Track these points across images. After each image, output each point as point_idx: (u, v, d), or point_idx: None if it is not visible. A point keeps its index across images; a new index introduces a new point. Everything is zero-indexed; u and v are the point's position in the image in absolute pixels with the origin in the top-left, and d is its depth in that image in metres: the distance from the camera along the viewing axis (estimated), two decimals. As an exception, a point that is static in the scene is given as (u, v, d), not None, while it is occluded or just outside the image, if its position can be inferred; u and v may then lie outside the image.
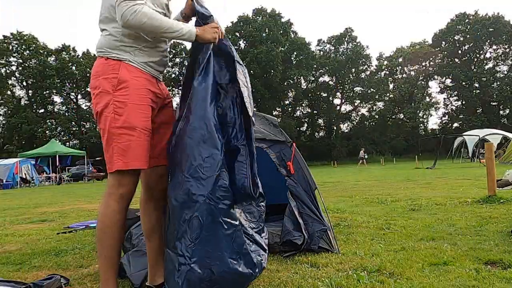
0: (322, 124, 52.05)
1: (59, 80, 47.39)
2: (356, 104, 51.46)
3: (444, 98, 49.69)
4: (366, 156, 27.07)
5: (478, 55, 48.06)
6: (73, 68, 48.43)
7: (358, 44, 50.11)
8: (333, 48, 51.19)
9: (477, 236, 2.69)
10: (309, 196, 2.59)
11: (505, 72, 46.53)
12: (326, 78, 50.97)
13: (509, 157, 18.78)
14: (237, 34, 46.89)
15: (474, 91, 46.33)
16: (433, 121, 52.21)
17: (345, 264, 2.11)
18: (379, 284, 1.75)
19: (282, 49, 46.36)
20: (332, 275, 1.93)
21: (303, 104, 51.21)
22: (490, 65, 47.05)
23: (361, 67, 50.32)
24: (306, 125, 51.66)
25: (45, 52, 47.39)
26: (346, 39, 50.62)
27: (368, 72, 50.55)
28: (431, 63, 49.30)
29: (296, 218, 2.56)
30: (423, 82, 49.96)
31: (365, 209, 4.48)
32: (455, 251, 2.28)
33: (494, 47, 46.72)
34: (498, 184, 6.51)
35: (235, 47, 41.92)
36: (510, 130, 32.38)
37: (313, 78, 50.23)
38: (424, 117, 51.25)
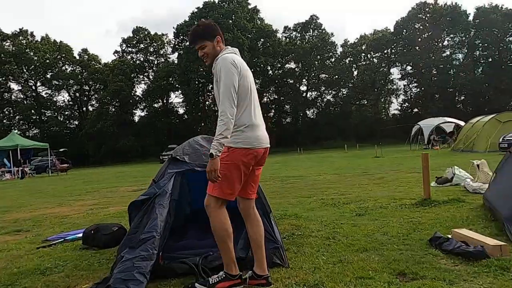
0: (289, 110, 53.03)
1: (16, 67, 45.24)
2: (321, 90, 52.64)
3: (405, 85, 51.82)
4: (437, 138, 25.03)
5: (436, 43, 50.22)
6: (31, 54, 46.29)
7: (323, 31, 50.99)
8: (299, 35, 51.81)
9: (402, 245, 3.29)
10: (266, 219, 3.07)
11: (461, 60, 49.05)
12: (292, 65, 51.66)
13: (458, 145, 20.24)
14: (203, 20, 46.30)
15: (433, 78, 48.59)
16: (394, 107, 54.16)
17: (291, 279, 2.62)
18: (315, 298, 2.27)
19: (249, 36, 46.40)
20: (280, 290, 2.43)
21: (270, 91, 51.80)
22: (448, 53, 49.36)
23: (326, 54, 51.36)
24: (273, 111, 52.43)
25: (0, 37, 44.92)
26: (312, 26, 51.31)
27: (333, 59, 51.70)
28: (393, 50, 51.08)
29: (247, 240, 3.02)
30: (385, 69, 51.72)
31: (319, 213, 5.05)
32: (380, 263, 2.84)
33: (452, 35, 48.94)
34: (438, 181, 7.34)
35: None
36: (464, 115, 34.51)
37: (279, 65, 50.77)
38: (386, 103, 53.32)
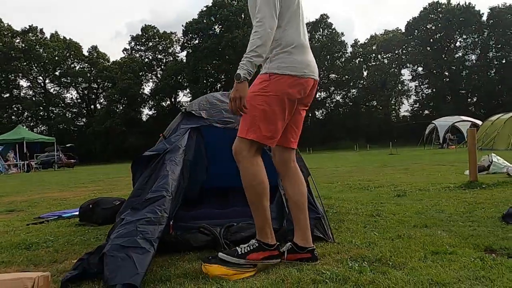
0: (297, 111, 52.24)
1: (25, 63, 45.15)
2: (331, 90, 51.87)
3: (416, 86, 50.83)
4: (453, 137, 24.08)
5: (448, 44, 49.20)
6: (41, 50, 46.16)
7: (333, 31, 50.28)
8: (309, 34, 50.97)
9: (469, 222, 2.66)
10: (303, 182, 2.46)
11: (474, 61, 47.96)
12: (301, 65, 50.92)
13: (477, 143, 19.42)
14: (213, 18, 45.99)
15: (444, 79, 47.59)
16: (405, 108, 53.18)
17: (343, 254, 2.00)
18: (382, 276, 1.65)
19: (259, 34, 45.83)
20: (332, 267, 1.82)
21: (279, 90, 51.12)
22: (460, 54, 48.31)
23: (336, 54, 50.61)
24: (281, 111, 51.69)
25: (10, 34, 44.89)
26: (322, 26, 50.65)
27: (343, 59, 50.93)
28: (404, 51, 50.16)
29: (281, 207, 2.45)
30: (395, 70, 50.82)
31: (350, 195, 4.42)
32: (452, 238, 2.21)
33: (464, 36, 47.91)
34: (474, 169, 6.66)
35: (210, 31, 40.95)
36: (477, 117, 33.56)
37: (289, 64, 50.10)
38: (396, 104, 52.39)
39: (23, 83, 47.93)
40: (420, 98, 51.02)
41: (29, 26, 46.75)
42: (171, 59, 51.47)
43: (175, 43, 51.40)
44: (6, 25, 44.66)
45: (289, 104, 1.87)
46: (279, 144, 2.00)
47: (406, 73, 51.09)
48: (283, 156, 2.03)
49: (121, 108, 48.82)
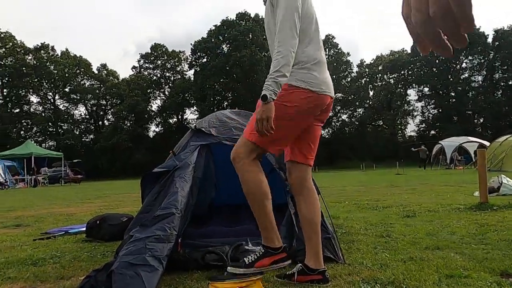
0: (303, 129, 52.30)
1: (36, 80, 45.96)
2: (337, 110, 51.99)
3: (422, 106, 50.81)
4: (460, 158, 23.96)
5: (454, 65, 49.35)
6: (51, 67, 47.04)
7: (339, 51, 50.81)
8: (316, 53, 51.65)
9: (482, 245, 2.60)
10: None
11: (480, 82, 47.99)
12: (308, 84, 51.29)
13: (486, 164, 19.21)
14: (221, 37, 46.72)
15: (451, 100, 47.55)
16: (411, 128, 53.02)
17: (355, 276, 1.96)
18: (396, 299, 1.61)
19: (266, 54, 46.44)
20: (344, 288, 1.78)
21: (285, 109, 51.33)
22: (466, 75, 48.39)
23: (342, 74, 50.98)
24: (287, 130, 51.77)
25: (22, 51, 45.89)
26: (328, 46, 51.18)
27: (349, 79, 51.25)
28: (410, 71, 50.39)
29: (290, 226, 2.42)
30: (401, 90, 50.95)
31: (358, 215, 4.37)
32: (466, 261, 2.16)
33: (470, 57, 48.08)
34: (484, 191, 6.56)
35: (218, 50, 41.40)
36: (484, 138, 33.31)
37: (296, 83, 50.48)
38: (402, 124, 52.28)
39: (33, 98, 48.68)
40: (427, 118, 50.93)
41: (41, 43, 47.82)
42: (179, 77, 52.12)
43: (183, 61, 52.16)
44: (19, 42, 45.70)
45: (303, 117, 1.87)
46: (296, 160, 1.99)
47: (412, 93, 51.23)
48: (299, 173, 2.02)
49: (128, 124, 49.23)
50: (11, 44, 44.81)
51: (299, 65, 1.85)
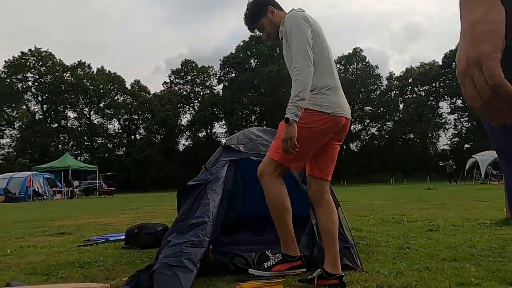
0: (331, 143, 51.90)
1: (73, 96, 48.29)
2: (366, 123, 51.41)
3: (455, 119, 49.41)
4: (495, 173, 23.11)
5: (488, 77, 47.82)
6: (88, 84, 49.37)
7: (368, 64, 50.48)
8: (343, 67, 51.55)
9: (500, 258, 2.69)
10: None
11: (516, 94, 46.19)
12: (336, 97, 51.09)
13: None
14: (249, 52, 47.57)
15: (486, 112, 45.97)
16: (444, 142, 51.49)
17: (371, 282, 2.13)
18: (407, 302, 1.77)
19: (293, 68, 46.81)
20: (359, 292, 1.95)
21: (313, 123, 51.23)
22: (502, 86, 46.74)
23: (371, 87, 50.52)
24: (315, 143, 51.55)
25: (61, 68, 48.45)
26: (356, 59, 51.02)
27: (378, 92, 50.70)
28: (441, 84, 49.29)
29: (312, 235, 2.61)
30: (433, 103, 49.83)
31: (382, 228, 4.47)
32: (479, 272, 2.28)
33: (505, 68, 46.51)
34: None
35: (246, 65, 42.05)
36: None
37: (323, 97, 50.39)
38: (434, 137, 50.93)
39: (70, 114, 51.09)
40: (460, 131, 49.45)
41: (78, 61, 50.34)
42: (208, 91, 53.30)
43: (212, 76, 53.37)
44: (58, 60, 48.31)
45: (320, 137, 2.10)
46: (315, 176, 2.22)
47: (444, 106, 49.91)
48: (318, 186, 2.24)
49: (159, 138, 50.66)
50: (50, 62, 47.45)
51: (314, 91, 2.09)
